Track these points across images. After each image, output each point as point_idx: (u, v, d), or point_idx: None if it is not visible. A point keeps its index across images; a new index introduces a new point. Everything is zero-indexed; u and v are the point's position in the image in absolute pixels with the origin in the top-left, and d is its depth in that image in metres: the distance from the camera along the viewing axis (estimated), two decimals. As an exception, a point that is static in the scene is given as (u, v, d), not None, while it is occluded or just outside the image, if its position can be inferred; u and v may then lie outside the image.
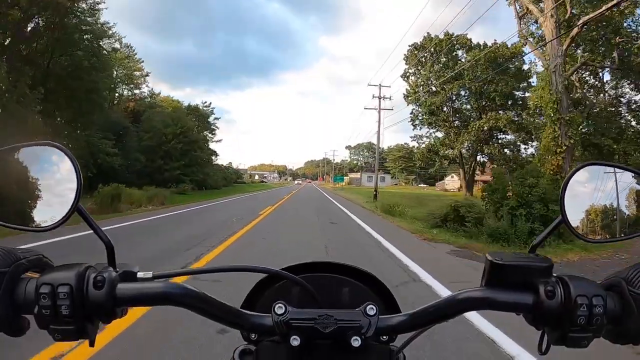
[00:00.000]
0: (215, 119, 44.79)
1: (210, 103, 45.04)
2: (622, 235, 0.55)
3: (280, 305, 0.49)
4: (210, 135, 42.71)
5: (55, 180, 0.53)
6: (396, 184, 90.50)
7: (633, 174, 0.56)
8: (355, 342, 0.48)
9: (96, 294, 0.45)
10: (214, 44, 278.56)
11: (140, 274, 0.50)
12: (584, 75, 20.85)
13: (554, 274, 0.49)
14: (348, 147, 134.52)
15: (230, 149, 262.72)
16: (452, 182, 67.34)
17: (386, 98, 26.32)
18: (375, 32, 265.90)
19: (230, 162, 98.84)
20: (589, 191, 0.55)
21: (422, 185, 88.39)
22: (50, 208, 0.51)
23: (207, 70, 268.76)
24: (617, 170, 0.56)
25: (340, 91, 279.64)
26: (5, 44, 15.29)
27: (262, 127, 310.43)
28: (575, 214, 0.53)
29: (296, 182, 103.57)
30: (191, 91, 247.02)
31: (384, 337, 0.55)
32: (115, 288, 0.46)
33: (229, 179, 49.05)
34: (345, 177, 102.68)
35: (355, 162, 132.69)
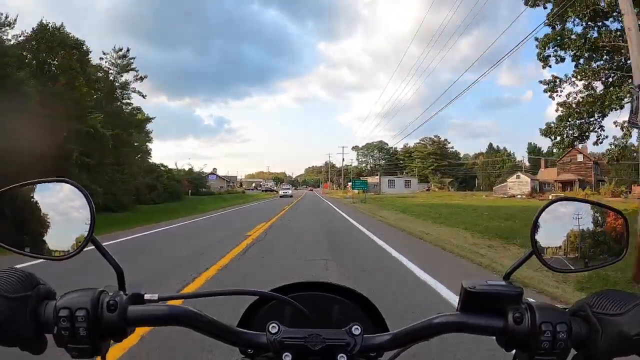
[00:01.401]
0: (139, 78, 24.30)
1: (128, 50, 23.70)
2: (590, 265, 0.60)
3: (273, 325, 0.54)
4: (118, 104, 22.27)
5: (70, 213, 0.57)
6: (427, 190, 68.02)
7: (600, 208, 0.61)
8: (342, 359, 0.52)
9: (109, 316, 0.50)
10: (212, 53, 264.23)
11: (147, 296, 0.54)
12: None
13: (526, 301, 0.52)
14: (355, 148, 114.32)
15: (230, 157, 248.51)
16: (519, 184, 46.74)
17: None
18: (373, 35, 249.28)
19: (215, 168, 78.72)
20: (560, 224, 0.59)
21: (451, 190, 67.29)
22: (66, 239, 0.56)
23: (206, 79, 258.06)
24: (585, 205, 0.61)
25: (339, 96, 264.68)
26: None
27: (262, 135, 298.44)
28: (547, 245, 0.58)
29: (281, 191, 52.90)
30: (190, 100, 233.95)
31: (372, 353, 0.57)
32: (126, 310, 0.51)
33: (170, 189, 28.48)
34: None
35: (364, 164, 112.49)
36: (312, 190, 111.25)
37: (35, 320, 0.49)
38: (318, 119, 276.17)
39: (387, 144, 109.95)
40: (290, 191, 54.12)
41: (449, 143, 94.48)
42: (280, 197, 47.06)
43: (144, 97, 25.73)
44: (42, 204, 0.57)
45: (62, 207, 0.58)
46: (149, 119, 28.23)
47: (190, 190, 37.03)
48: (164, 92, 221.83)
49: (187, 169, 40.27)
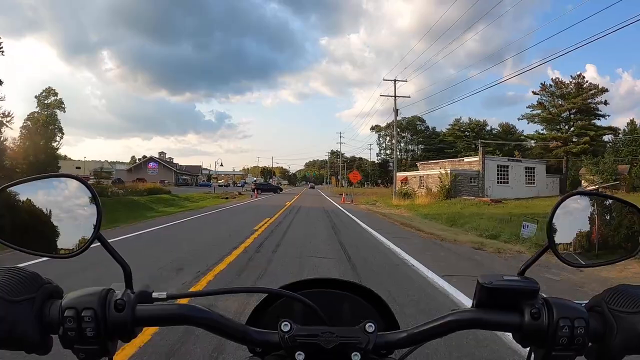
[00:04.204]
0: None
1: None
2: (605, 260, 0.59)
3: (286, 323, 0.52)
4: None
5: (75, 210, 0.56)
6: (615, 188, 26.63)
7: (618, 203, 0.60)
8: (355, 357, 0.51)
9: (117, 316, 0.48)
10: (213, 47, 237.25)
11: (155, 294, 0.53)
12: None
13: (542, 296, 0.52)
14: (375, 128, 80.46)
15: (230, 153, 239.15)
16: None
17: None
18: (376, 30, 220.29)
19: (163, 152, 46.92)
20: (576, 218, 0.59)
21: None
22: (71, 236, 0.54)
23: (207, 74, 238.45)
24: (602, 199, 0.60)
25: (341, 92, 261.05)
26: None
27: (261, 131, 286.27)
28: (563, 240, 0.57)
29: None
30: (191, 95, 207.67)
31: (383, 351, 0.57)
32: (135, 310, 0.50)
33: None
34: (406, 174, 38.32)
35: (389, 151, 78.71)
36: (313, 187, 76.93)
37: (41, 322, 0.47)
38: (319, 115, 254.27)
39: (424, 122, 75.03)
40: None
41: (606, 91, 43.13)
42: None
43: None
44: (46, 201, 0.55)
45: (68, 204, 0.56)
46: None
47: None
48: (165, 87, 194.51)
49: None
